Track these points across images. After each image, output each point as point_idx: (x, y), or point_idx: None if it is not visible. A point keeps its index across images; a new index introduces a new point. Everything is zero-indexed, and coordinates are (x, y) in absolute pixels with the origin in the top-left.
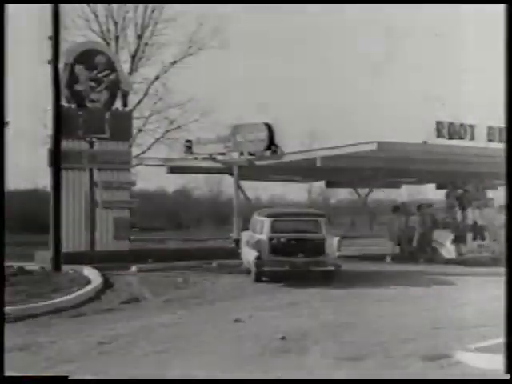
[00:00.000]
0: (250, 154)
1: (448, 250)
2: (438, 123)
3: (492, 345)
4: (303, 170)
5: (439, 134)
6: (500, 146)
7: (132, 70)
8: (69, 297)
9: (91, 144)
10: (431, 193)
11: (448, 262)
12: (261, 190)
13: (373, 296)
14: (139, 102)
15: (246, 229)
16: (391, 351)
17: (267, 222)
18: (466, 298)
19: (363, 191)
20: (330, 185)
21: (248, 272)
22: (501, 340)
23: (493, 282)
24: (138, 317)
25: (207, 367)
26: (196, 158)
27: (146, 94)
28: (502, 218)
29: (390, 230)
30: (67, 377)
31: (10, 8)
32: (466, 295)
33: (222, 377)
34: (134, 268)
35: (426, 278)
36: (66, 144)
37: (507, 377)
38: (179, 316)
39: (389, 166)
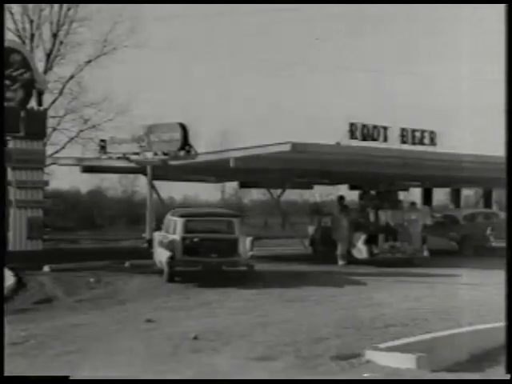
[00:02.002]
0: (164, 154)
1: (360, 250)
2: (352, 125)
3: (402, 344)
4: (217, 171)
5: (352, 136)
6: (412, 148)
7: (47, 69)
8: None
9: (5, 142)
10: (345, 194)
11: (360, 262)
12: (174, 190)
13: (285, 296)
14: (54, 101)
15: (159, 229)
16: (303, 351)
17: (180, 222)
18: (377, 298)
19: (276, 192)
20: (243, 185)
21: (161, 272)
22: (411, 339)
23: (404, 282)
24: (51, 317)
25: (119, 367)
26: (110, 158)
27: (60, 93)
28: (412, 219)
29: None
30: (68, 377)
31: None
32: (377, 295)
33: (138, 377)
34: (47, 268)
35: (338, 278)
36: None
37: (507, 377)
38: (92, 316)
39: (302, 166)
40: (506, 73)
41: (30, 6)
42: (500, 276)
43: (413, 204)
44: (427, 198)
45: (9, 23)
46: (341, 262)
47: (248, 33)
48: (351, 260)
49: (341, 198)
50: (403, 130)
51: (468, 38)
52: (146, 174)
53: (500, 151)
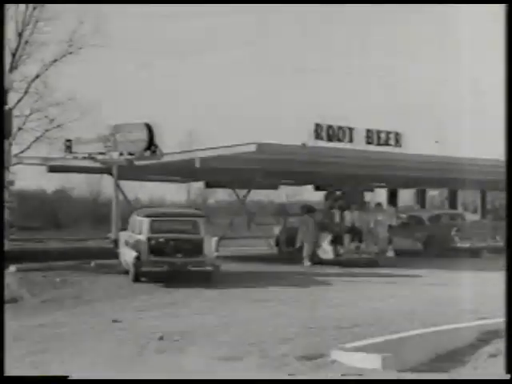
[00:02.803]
0: (130, 154)
1: (325, 250)
2: (317, 125)
3: (367, 344)
4: (182, 171)
5: (318, 136)
6: (378, 149)
7: (12, 68)
8: None
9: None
10: (310, 194)
11: (325, 262)
12: (140, 190)
13: (251, 296)
14: (19, 101)
15: (124, 229)
16: (268, 351)
17: (146, 222)
18: (342, 298)
19: (242, 192)
20: (209, 185)
21: (127, 272)
22: (376, 340)
23: (369, 282)
24: (17, 317)
25: (85, 367)
26: (76, 158)
27: (26, 92)
28: (378, 219)
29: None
30: (67, 377)
31: None
32: (342, 295)
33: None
34: (12, 268)
35: (303, 279)
36: None
37: (507, 377)
38: (57, 316)
39: (268, 167)
40: (506, 73)
41: None
42: (465, 276)
43: (379, 205)
44: (392, 198)
45: None
46: (306, 263)
47: (214, 32)
48: (317, 260)
49: (303, 207)
50: (368, 130)
51: (427, 37)
52: (111, 174)
53: (465, 151)
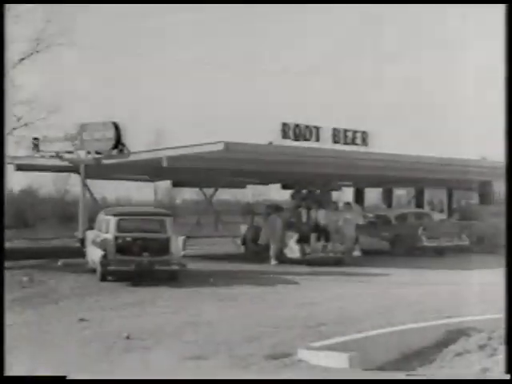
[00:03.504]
0: (97, 153)
1: (292, 249)
2: (284, 125)
3: (334, 343)
4: (150, 170)
5: (285, 136)
6: (344, 148)
7: None
8: None
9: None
10: (277, 193)
11: (292, 261)
12: (107, 189)
13: (217, 295)
14: None
15: (91, 228)
16: (235, 350)
17: (113, 220)
18: (309, 297)
19: (209, 191)
20: (176, 184)
21: (93, 271)
22: (343, 338)
23: (336, 281)
24: None
25: (52, 367)
26: (43, 156)
27: None
28: (345, 218)
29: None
30: (65, 377)
31: None
32: (309, 294)
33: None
34: None
35: (270, 278)
36: None
37: (507, 377)
38: (24, 315)
39: (235, 166)
40: (506, 73)
41: None
42: (431, 275)
43: (347, 204)
44: (359, 197)
45: None
46: (273, 262)
47: (182, 32)
48: (284, 259)
49: (270, 206)
50: (335, 129)
51: (388, 38)
52: (79, 173)
53: (433, 150)
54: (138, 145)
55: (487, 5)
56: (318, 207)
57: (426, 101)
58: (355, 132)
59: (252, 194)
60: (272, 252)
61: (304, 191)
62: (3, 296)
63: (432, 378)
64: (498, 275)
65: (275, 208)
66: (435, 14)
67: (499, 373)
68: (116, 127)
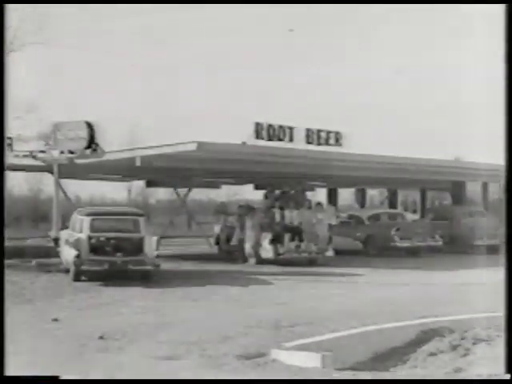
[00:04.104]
0: (71, 152)
1: (266, 249)
2: (257, 124)
3: (307, 343)
4: (123, 169)
5: (258, 136)
6: (318, 149)
7: None
8: None
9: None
10: (251, 193)
11: (266, 261)
12: (81, 189)
13: (191, 295)
14: None
15: (65, 227)
16: (208, 350)
17: (87, 220)
18: (282, 297)
19: (183, 191)
20: (149, 184)
21: (67, 271)
22: (316, 338)
23: (309, 281)
24: None
25: (25, 367)
26: (16, 156)
27: None
28: (318, 219)
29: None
30: (57, 377)
31: None
32: (282, 294)
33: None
34: None
35: (243, 278)
36: None
37: (507, 377)
38: None
39: (209, 166)
40: (506, 73)
41: None
42: (404, 275)
43: (319, 204)
44: (332, 197)
45: None
46: (252, 261)
47: (157, 32)
48: (257, 259)
49: (243, 206)
50: (308, 130)
51: (364, 40)
52: (52, 173)
53: (406, 151)
54: (113, 144)
55: (487, 5)
56: (292, 207)
57: (404, 101)
58: (329, 132)
59: (226, 194)
60: (248, 251)
61: (277, 191)
62: (3, 296)
63: (432, 378)
64: (470, 275)
65: (248, 208)
66: (391, 15)
67: (501, 373)
68: (90, 126)
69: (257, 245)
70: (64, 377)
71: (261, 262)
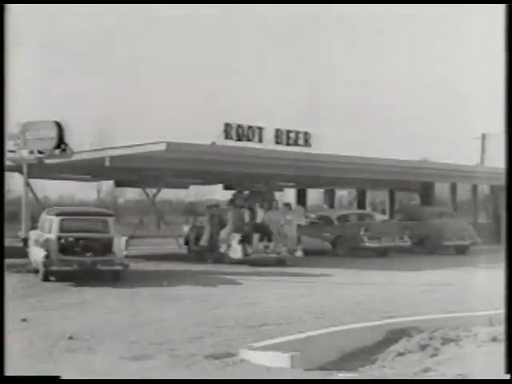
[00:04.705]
0: (40, 152)
1: (234, 249)
2: (227, 125)
3: (276, 343)
4: (92, 169)
5: (227, 136)
6: (288, 149)
7: None
8: None
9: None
10: (220, 194)
11: (234, 261)
12: (50, 189)
13: (160, 295)
14: None
15: (34, 228)
16: (177, 350)
17: (56, 220)
18: (251, 297)
19: (152, 191)
20: (118, 184)
21: (36, 271)
22: (285, 338)
23: (278, 281)
24: None
25: None
26: None
27: None
28: (287, 219)
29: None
30: (58, 377)
31: None
32: (251, 294)
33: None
34: None
35: (212, 278)
36: None
37: (507, 377)
38: None
39: (178, 166)
40: (506, 73)
41: None
42: (372, 275)
43: (287, 204)
44: (301, 198)
45: None
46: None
47: (118, 32)
48: (226, 260)
49: (212, 206)
50: (278, 130)
51: (325, 39)
52: (21, 172)
53: (378, 152)
54: (82, 144)
55: (487, 5)
56: (261, 208)
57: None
58: (298, 133)
59: (195, 194)
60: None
61: (246, 192)
62: (3, 296)
63: (432, 378)
64: (438, 275)
65: (216, 208)
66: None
67: (500, 373)
68: (59, 126)
69: (226, 245)
70: (64, 377)
71: (229, 262)
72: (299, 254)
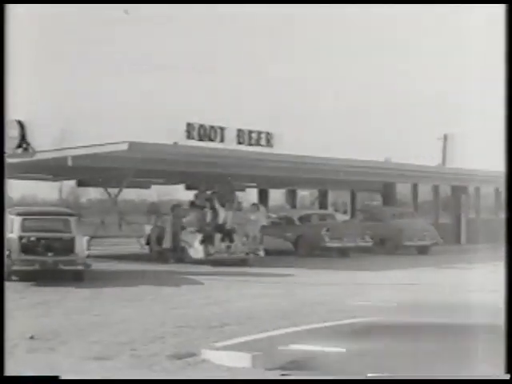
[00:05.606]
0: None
1: (196, 250)
2: (188, 125)
3: (237, 343)
4: (55, 169)
5: (189, 136)
6: (249, 149)
7: None
8: None
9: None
10: (182, 194)
11: (196, 262)
12: (12, 189)
13: (122, 295)
14: None
15: None
16: (138, 350)
17: (17, 220)
18: (213, 297)
19: (114, 191)
20: (81, 184)
21: None
22: (246, 338)
23: (239, 281)
24: None
25: None
26: None
27: None
28: (250, 219)
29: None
30: (57, 377)
31: None
32: (213, 294)
33: None
34: None
35: (175, 278)
36: None
37: (507, 377)
38: None
39: (140, 166)
40: (506, 73)
41: None
42: (333, 275)
43: (254, 205)
44: (263, 198)
45: None
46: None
47: (92, 31)
48: (188, 260)
49: (173, 206)
50: (240, 130)
51: (301, 40)
52: None
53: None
54: (44, 144)
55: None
56: (222, 208)
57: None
58: (260, 133)
59: (157, 194)
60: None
61: (208, 192)
62: (3, 296)
63: (432, 378)
64: (397, 276)
65: (178, 208)
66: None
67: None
68: (21, 125)
69: (183, 243)
70: (64, 377)
71: (192, 262)
72: (261, 253)
